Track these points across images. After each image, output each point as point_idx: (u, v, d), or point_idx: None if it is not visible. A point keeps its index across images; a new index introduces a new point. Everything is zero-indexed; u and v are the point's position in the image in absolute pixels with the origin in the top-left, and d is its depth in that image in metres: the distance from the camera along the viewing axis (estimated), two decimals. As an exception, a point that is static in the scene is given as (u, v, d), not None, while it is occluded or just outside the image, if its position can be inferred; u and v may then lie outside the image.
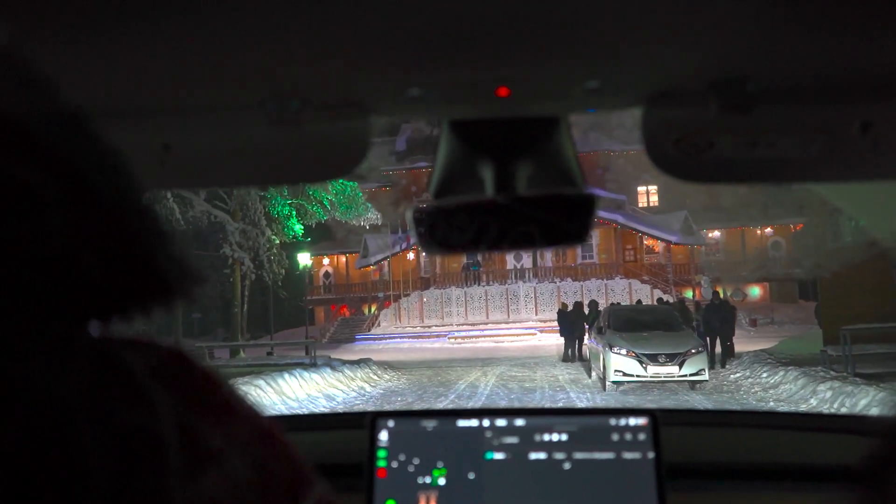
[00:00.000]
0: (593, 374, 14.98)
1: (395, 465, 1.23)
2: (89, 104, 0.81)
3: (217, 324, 37.63)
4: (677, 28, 0.72)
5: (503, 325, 32.40)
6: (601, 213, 33.85)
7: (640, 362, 12.58)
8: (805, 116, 0.89)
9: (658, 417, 1.22)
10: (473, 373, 17.29)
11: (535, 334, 29.90)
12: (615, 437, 1.21)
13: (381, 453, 1.23)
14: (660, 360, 12.55)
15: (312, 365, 15.99)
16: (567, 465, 1.20)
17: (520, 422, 1.24)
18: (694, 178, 0.94)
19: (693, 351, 12.71)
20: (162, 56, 0.74)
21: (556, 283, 33.98)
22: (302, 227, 24.53)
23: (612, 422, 1.22)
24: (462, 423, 1.25)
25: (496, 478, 1.21)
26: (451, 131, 0.95)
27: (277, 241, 24.07)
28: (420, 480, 1.22)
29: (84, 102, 0.81)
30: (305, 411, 11.37)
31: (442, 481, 1.21)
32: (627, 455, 1.20)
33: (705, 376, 12.69)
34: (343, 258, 40.11)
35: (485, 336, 30.65)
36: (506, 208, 0.90)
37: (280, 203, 23.44)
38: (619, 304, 22.33)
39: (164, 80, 0.81)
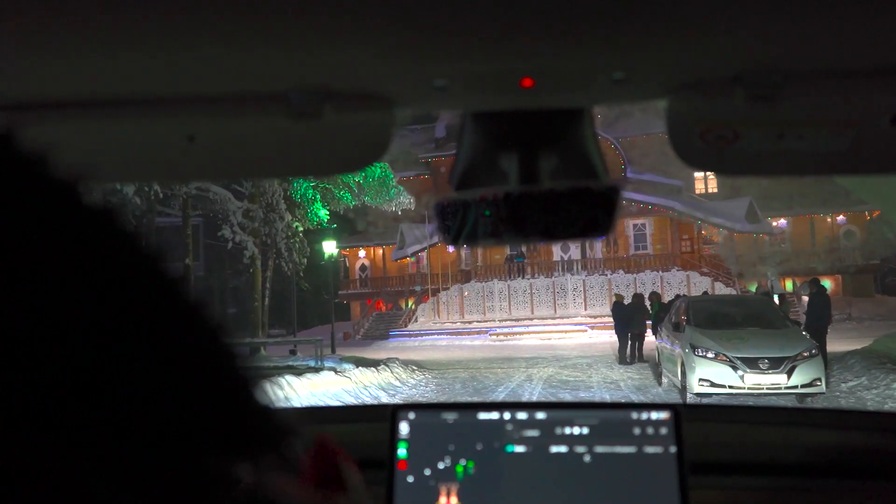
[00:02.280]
0: (664, 380, 12.22)
1: (415, 457, 1.23)
2: (117, 94, 0.85)
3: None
4: (704, 17, 0.72)
5: (550, 321, 30.51)
6: (656, 200, 31.91)
7: (735, 369, 9.68)
8: (833, 108, 0.88)
9: (680, 412, 1.21)
10: (516, 375, 15.02)
11: (586, 331, 27.94)
12: (637, 430, 1.20)
13: (402, 445, 1.24)
14: (761, 366, 9.62)
15: (314, 369, 13.46)
16: (588, 459, 1.20)
17: (541, 415, 1.23)
18: (719, 171, 0.94)
19: (805, 354, 9.77)
20: (187, 46, 0.75)
21: (606, 275, 32.06)
22: (327, 213, 22.41)
23: (634, 415, 1.21)
24: (483, 415, 1.24)
25: (517, 471, 1.21)
26: (474, 123, 0.95)
27: (301, 228, 21.90)
28: (441, 473, 1.22)
29: (112, 92, 0.85)
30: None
31: (462, 474, 1.21)
32: (649, 449, 1.19)
33: (821, 387, 9.75)
34: (380, 250, 38.65)
35: (530, 332, 28.70)
36: (529, 200, 0.89)
37: (303, 186, 21.24)
38: (679, 294, 19.40)
39: (189, 70, 0.81)
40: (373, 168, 21.78)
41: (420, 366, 16.69)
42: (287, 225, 20.96)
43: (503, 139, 0.94)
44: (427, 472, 1.21)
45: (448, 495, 1.19)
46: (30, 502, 0.22)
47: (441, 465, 1.21)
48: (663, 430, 1.19)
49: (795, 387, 9.65)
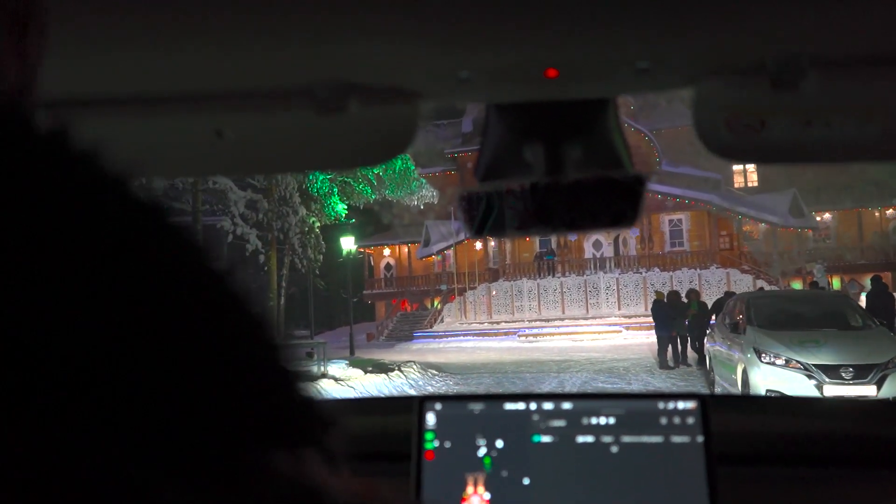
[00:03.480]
0: (718, 389, 10.66)
1: (442, 447, 1.23)
2: (146, 91, 0.87)
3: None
4: (729, 3, 0.72)
5: (582, 322, 29.04)
6: (693, 195, 30.44)
7: (811, 377, 8.13)
8: (861, 94, 0.88)
9: (707, 401, 1.21)
10: (547, 381, 13.73)
11: (620, 331, 26.41)
12: (664, 420, 1.20)
13: (429, 436, 1.24)
14: (844, 375, 8.02)
15: (310, 377, 12.07)
16: (615, 449, 1.20)
17: (567, 405, 1.23)
18: (745, 159, 0.94)
19: (898, 360, 8.20)
20: (214, 42, 0.76)
21: (641, 273, 30.63)
22: (345, 208, 21.25)
23: (661, 405, 1.21)
24: (509, 406, 1.25)
25: (543, 461, 1.21)
26: (498, 114, 0.95)
27: (318, 224, 20.74)
28: (468, 463, 1.22)
29: (141, 89, 0.87)
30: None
31: (489, 464, 1.21)
32: (676, 439, 1.19)
33: (918, 399, 8.23)
34: (405, 248, 37.58)
35: (560, 334, 27.22)
36: (555, 191, 0.90)
37: (318, 179, 20.08)
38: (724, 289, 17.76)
39: (216, 66, 0.82)
40: (393, 160, 20.56)
41: (440, 370, 15.39)
42: (301, 219, 19.79)
43: (528, 130, 0.92)
44: (454, 462, 1.21)
45: (475, 485, 1.19)
46: (67, 493, 0.23)
47: (468, 456, 1.21)
48: (690, 420, 1.19)
49: (886, 399, 8.05)
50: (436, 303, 34.06)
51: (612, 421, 1.20)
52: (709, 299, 17.30)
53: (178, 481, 0.25)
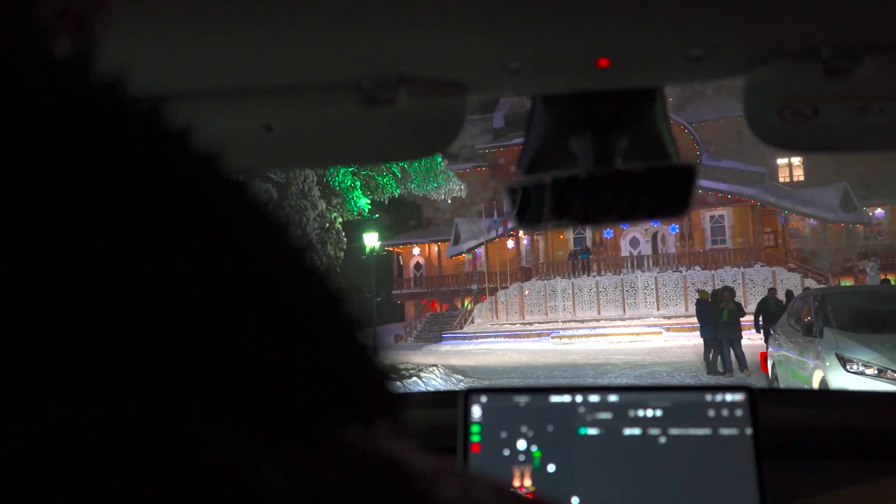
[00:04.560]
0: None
1: (488, 440, 1.23)
2: (197, 86, 0.87)
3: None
4: None
5: (618, 323, 27.88)
6: (735, 189, 29.07)
7: None
8: None
9: (756, 393, 1.19)
10: (582, 389, 12.26)
11: (661, 333, 25.14)
12: (711, 412, 1.19)
13: (475, 428, 1.24)
14: None
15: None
16: (662, 441, 1.19)
17: (613, 397, 1.23)
18: (798, 148, 0.93)
19: None
20: (262, 35, 0.76)
21: (681, 272, 29.31)
22: (368, 203, 20.25)
23: (709, 397, 1.20)
24: (555, 398, 1.25)
25: (590, 453, 1.21)
26: (545, 105, 0.95)
27: (340, 219, 19.77)
28: (514, 455, 1.22)
29: (192, 85, 0.87)
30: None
31: (535, 456, 1.22)
32: (724, 431, 1.18)
33: None
34: (435, 247, 36.67)
35: (596, 335, 26.12)
36: (605, 181, 0.90)
37: (340, 173, 19.10)
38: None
39: (265, 60, 0.83)
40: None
41: (466, 375, 14.27)
42: (321, 214, 18.82)
43: (576, 121, 0.92)
44: (500, 455, 1.21)
45: (521, 478, 1.20)
46: (148, 461, 0.24)
47: (514, 448, 1.21)
48: (738, 412, 1.18)
49: None
50: (466, 303, 33.12)
51: (659, 413, 1.19)
52: (754, 299, 16.02)
53: (255, 455, 0.26)
